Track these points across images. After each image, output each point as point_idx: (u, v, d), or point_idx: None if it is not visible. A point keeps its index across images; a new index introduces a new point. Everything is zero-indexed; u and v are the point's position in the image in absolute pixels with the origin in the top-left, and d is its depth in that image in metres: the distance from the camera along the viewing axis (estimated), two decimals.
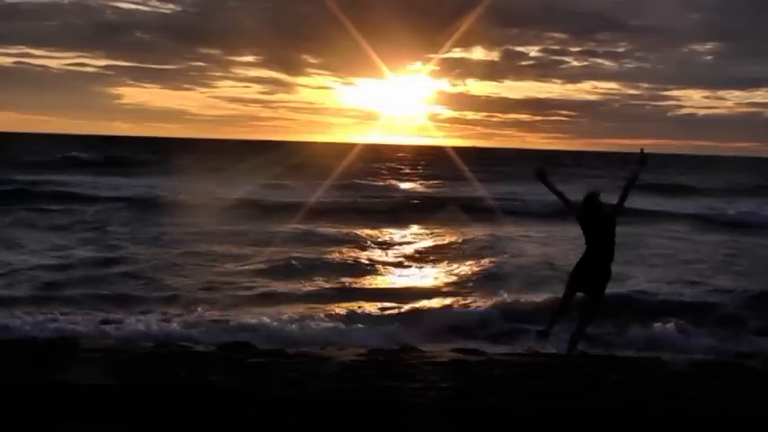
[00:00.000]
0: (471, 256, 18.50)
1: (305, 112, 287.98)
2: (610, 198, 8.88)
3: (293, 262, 16.87)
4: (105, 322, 11.43)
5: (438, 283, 15.87)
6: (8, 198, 28.34)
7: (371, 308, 13.20)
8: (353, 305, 13.33)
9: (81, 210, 26.35)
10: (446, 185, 45.77)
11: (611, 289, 9.19)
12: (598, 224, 8.66)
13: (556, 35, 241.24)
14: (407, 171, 63.00)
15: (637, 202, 34.43)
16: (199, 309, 12.45)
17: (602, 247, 8.69)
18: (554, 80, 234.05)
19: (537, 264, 17.25)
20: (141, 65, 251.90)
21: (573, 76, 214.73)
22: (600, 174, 64.10)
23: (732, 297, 13.97)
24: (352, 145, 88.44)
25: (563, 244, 19.49)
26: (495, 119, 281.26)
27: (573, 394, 7.46)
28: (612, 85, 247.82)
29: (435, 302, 13.72)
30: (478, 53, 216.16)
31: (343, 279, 15.67)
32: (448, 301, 13.86)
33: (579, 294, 9.05)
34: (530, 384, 7.82)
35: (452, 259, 18.40)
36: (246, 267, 16.43)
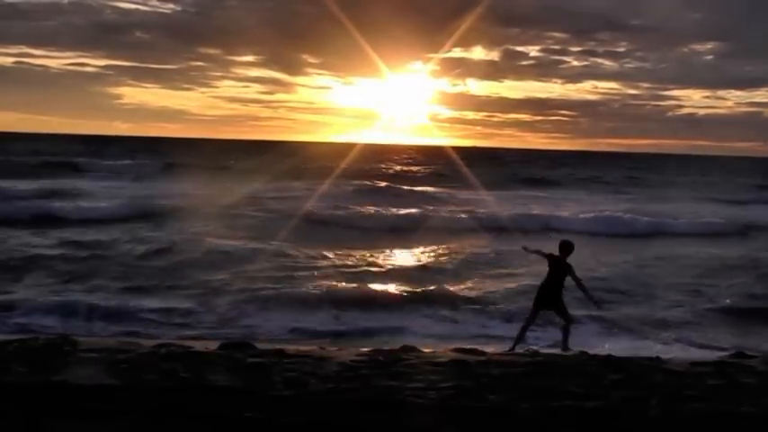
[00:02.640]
0: None
1: (305, 111, 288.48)
2: None
3: None
4: None
5: None
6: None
7: None
8: None
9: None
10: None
11: None
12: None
13: (556, 35, 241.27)
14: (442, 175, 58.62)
15: None
16: None
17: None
18: (554, 80, 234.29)
19: None
20: (141, 65, 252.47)
21: (573, 76, 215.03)
22: (600, 174, 64.21)
23: None
24: (361, 145, 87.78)
25: None
26: (495, 119, 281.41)
27: (573, 394, 7.46)
28: (612, 84, 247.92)
29: None
30: (479, 53, 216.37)
31: None
32: None
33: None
34: (530, 384, 7.82)
35: None
36: None
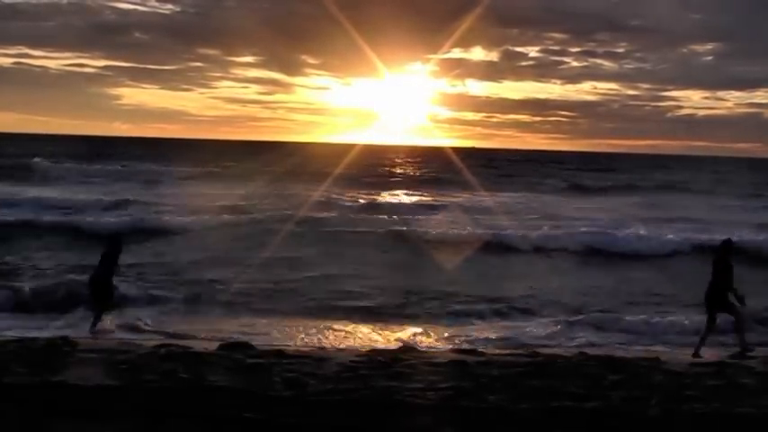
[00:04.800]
0: None
1: (304, 112, 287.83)
2: None
3: None
4: None
5: None
6: None
7: None
8: None
9: None
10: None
11: None
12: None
13: (556, 35, 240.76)
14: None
15: None
16: None
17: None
18: (554, 80, 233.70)
19: None
20: (140, 65, 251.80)
21: (572, 77, 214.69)
22: (602, 175, 63.93)
23: None
24: (372, 146, 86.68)
25: None
26: (494, 119, 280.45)
27: (573, 394, 7.47)
28: (612, 85, 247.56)
29: None
30: (478, 53, 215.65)
31: None
32: None
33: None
34: (530, 384, 7.82)
35: None
36: None
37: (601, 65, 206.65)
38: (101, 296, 11.60)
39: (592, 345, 11.60)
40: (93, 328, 11.29)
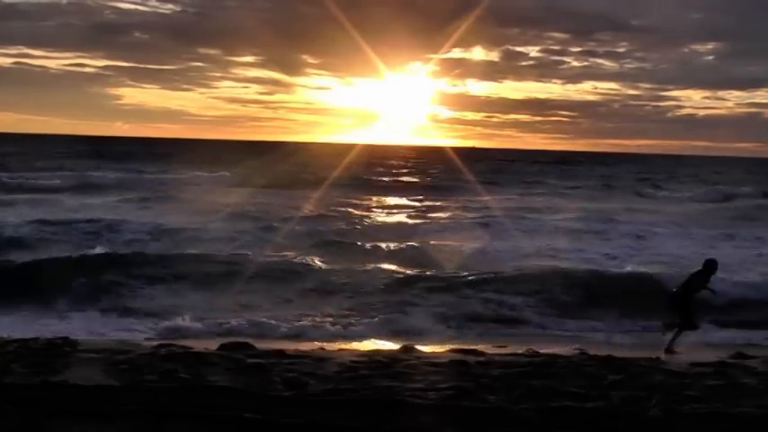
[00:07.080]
0: None
1: (304, 112, 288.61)
2: None
3: None
4: None
5: None
6: None
7: None
8: None
9: None
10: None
11: None
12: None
13: (556, 35, 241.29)
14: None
15: None
16: None
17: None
18: (554, 80, 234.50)
19: None
20: (140, 65, 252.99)
21: (573, 77, 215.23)
22: (603, 175, 63.77)
23: None
24: (373, 146, 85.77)
25: None
26: (494, 119, 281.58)
27: (573, 394, 7.47)
28: (612, 85, 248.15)
29: None
30: (478, 53, 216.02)
31: None
32: None
33: None
34: (530, 384, 7.82)
35: None
36: None
37: (601, 65, 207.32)
38: (680, 312, 11.32)
39: (591, 344, 11.58)
40: (672, 344, 11.08)
